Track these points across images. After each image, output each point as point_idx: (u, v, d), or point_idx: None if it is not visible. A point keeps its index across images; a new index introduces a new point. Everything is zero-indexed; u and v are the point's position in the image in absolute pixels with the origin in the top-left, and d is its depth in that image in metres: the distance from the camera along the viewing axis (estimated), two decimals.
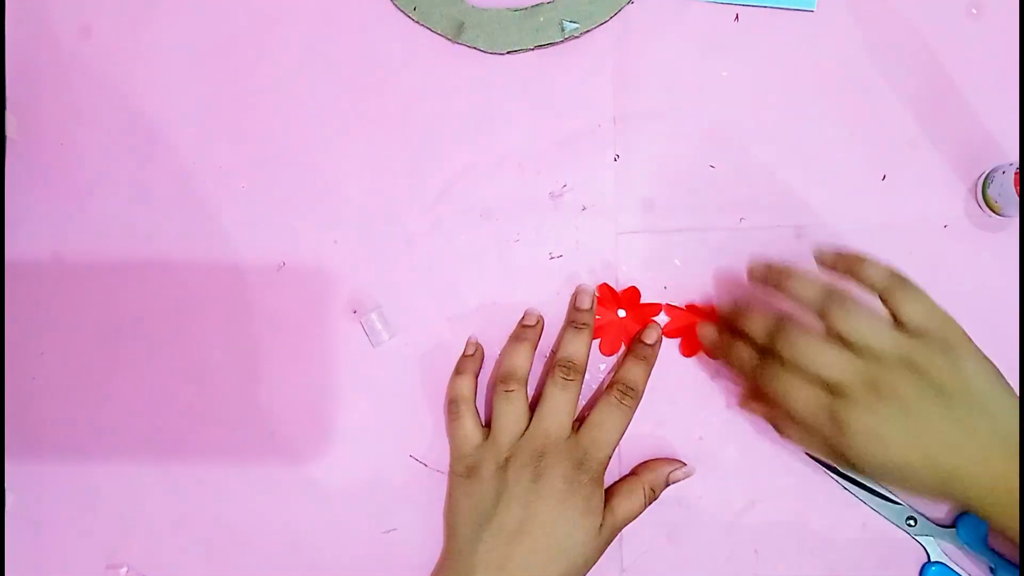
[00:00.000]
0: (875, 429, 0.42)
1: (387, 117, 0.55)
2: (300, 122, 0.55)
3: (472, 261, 0.54)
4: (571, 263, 0.54)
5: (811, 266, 0.48)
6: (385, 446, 0.54)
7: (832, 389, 0.43)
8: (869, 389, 0.42)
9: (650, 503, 0.50)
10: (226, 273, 0.55)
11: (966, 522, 0.50)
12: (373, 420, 0.54)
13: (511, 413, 0.50)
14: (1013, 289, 0.52)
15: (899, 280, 0.45)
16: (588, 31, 0.54)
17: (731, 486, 0.52)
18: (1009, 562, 0.50)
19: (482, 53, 0.55)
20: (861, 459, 0.43)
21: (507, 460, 0.49)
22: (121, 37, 0.57)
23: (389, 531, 0.53)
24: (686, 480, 0.51)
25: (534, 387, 0.53)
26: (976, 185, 0.52)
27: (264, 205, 0.55)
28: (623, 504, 0.49)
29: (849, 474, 0.51)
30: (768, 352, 0.46)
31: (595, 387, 0.53)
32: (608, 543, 0.49)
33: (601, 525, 0.48)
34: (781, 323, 0.45)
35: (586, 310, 0.52)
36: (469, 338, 0.54)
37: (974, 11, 0.54)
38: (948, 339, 0.44)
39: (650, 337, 0.52)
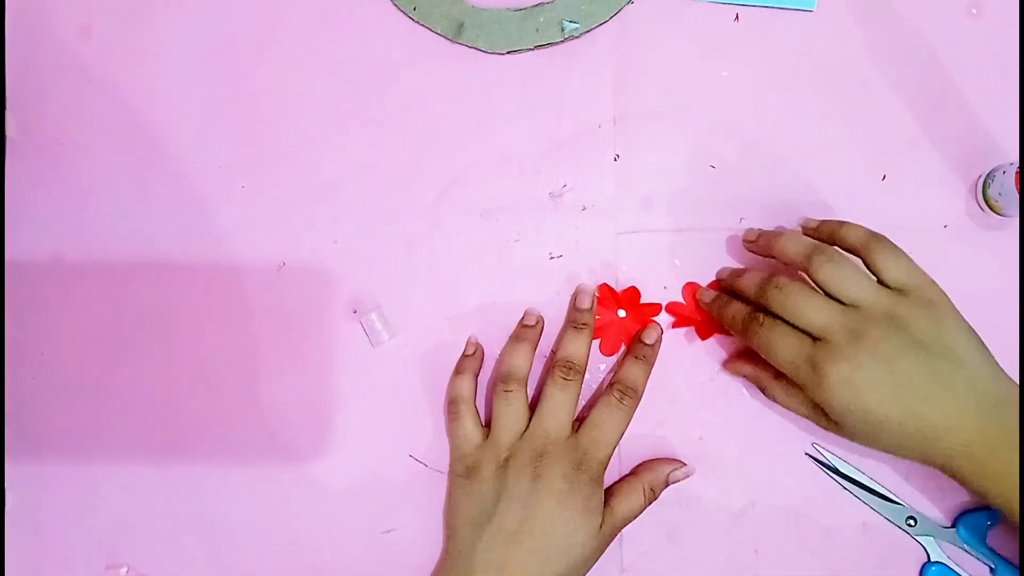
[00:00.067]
0: (855, 379, 0.43)
1: (387, 117, 0.55)
2: (300, 122, 0.55)
3: (472, 261, 0.54)
4: (571, 263, 0.54)
5: None
6: (385, 446, 0.54)
7: (815, 338, 0.45)
8: (852, 339, 0.43)
9: (650, 503, 0.50)
10: (226, 273, 0.55)
11: (966, 522, 0.50)
12: (373, 420, 0.54)
13: (511, 413, 0.50)
14: (1013, 289, 0.52)
15: (880, 240, 0.47)
16: (588, 31, 0.54)
17: (731, 486, 0.52)
18: (1009, 562, 0.50)
19: (482, 53, 0.55)
20: (839, 410, 0.44)
21: (507, 460, 0.49)
22: (121, 37, 0.57)
23: (389, 531, 0.53)
24: (686, 480, 0.51)
25: (534, 387, 0.53)
26: (976, 185, 0.52)
27: (264, 205, 0.55)
28: (623, 504, 0.49)
29: (848, 474, 0.51)
30: (758, 307, 0.47)
31: (595, 387, 0.53)
32: (608, 543, 0.49)
33: (601, 525, 0.48)
34: (770, 277, 0.47)
35: (586, 310, 0.52)
36: (469, 338, 0.54)
37: (974, 11, 0.54)
38: (929, 297, 0.45)
39: (650, 337, 0.52)
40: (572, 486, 0.47)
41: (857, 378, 0.43)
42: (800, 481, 0.52)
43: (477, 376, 0.53)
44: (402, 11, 0.55)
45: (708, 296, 0.52)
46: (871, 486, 0.51)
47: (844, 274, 0.45)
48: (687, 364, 0.53)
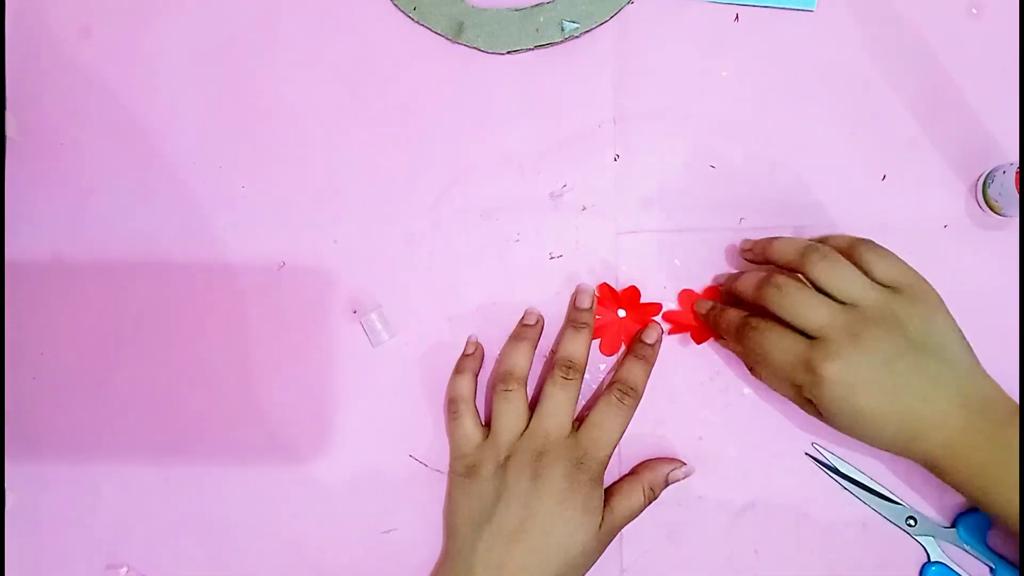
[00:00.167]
0: (851, 378, 0.43)
1: (387, 117, 0.55)
2: (300, 122, 0.55)
3: (472, 261, 0.54)
4: (571, 263, 0.54)
5: None
6: (385, 446, 0.54)
7: (812, 337, 0.44)
8: (849, 339, 0.43)
9: (650, 503, 0.50)
10: (226, 273, 0.55)
11: (966, 522, 0.50)
12: (373, 420, 0.54)
13: (511, 412, 0.50)
14: (1013, 289, 0.52)
15: (866, 241, 0.47)
16: (588, 31, 0.54)
17: (731, 486, 0.52)
18: (1009, 562, 0.50)
19: (482, 53, 0.55)
20: (832, 408, 0.44)
21: (507, 459, 0.49)
22: (121, 37, 0.57)
23: (389, 531, 0.53)
24: (686, 480, 0.51)
25: (534, 387, 0.53)
26: (976, 185, 0.52)
27: (264, 205, 0.55)
28: (623, 503, 0.49)
29: (848, 474, 0.51)
30: (754, 310, 0.47)
31: (595, 387, 0.53)
32: (608, 542, 0.49)
33: (601, 524, 0.48)
34: (768, 276, 0.47)
35: (586, 309, 0.52)
36: (469, 337, 0.54)
37: (974, 11, 0.54)
38: (922, 294, 0.45)
39: (650, 337, 0.52)
40: (572, 485, 0.47)
41: (853, 378, 0.43)
42: (800, 481, 0.52)
43: (477, 376, 0.53)
44: (402, 11, 0.55)
45: (704, 307, 0.52)
46: (871, 486, 0.51)
47: (839, 271, 0.45)
48: (687, 364, 0.53)
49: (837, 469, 0.52)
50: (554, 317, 0.54)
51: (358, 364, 0.54)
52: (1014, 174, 0.48)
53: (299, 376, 0.54)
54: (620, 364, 0.52)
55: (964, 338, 0.46)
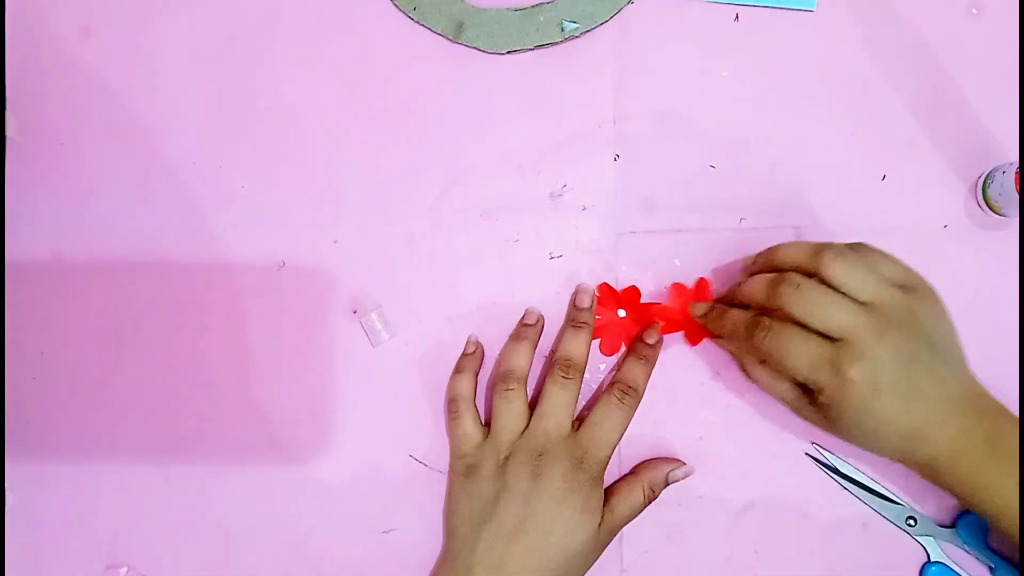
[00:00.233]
0: (875, 379, 0.42)
1: (387, 117, 0.55)
2: (300, 122, 0.55)
3: (472, 261, 0.54)
4: (571, 263, 0.54)
5: None
6: (385, 446, 0.54)
7: (834, 339, 0.43)
8: (875, 339, 0.42)
9: (649, 503, 0.50)
10: (226, 273, 0.55)
11: (966, 522, 0.50)
12: (373, 420, 0.54)
13: (510, 412, 0.50)
14: (1013, 289, 0.52)
15: (865, 244, 0.46)
16: (588, 31, 0.54)
17: (731, 486, 0.52)
18: (1009, 562, 0.50)
19: (482, 53, 0.55)
20: (850, 411, 0.43)
21: (506, 459, 0.49)
22: (121, 37, 0.57)
23: (389, 531, 0.53)
24: (686, 480, 0.51)
25: (534, 387, 0.53)
26: (976, 185, 0.52)
27: (264, 205, 0.55)
28: (622, 503, 0.49)
29: (848, 474, 0.51)
30: (765, 313, 0.46)
31: (595, 387, 0.53)
32: (607, 542, 0.49)
33: (600, 524, 0.48)
34: (783, 276, 0.45)
35: (586, 309, 0.52)
36: (469, 337, 0.54)
37: (974, 11, 0.54)
38: (929, 294, 0.45)
39: (651, 337, 0.52)
40: (572, 485, 0.47)
41: (879, 379, 0.42)
42: (800, 481, 0.52)
43: (477, 375, 0.53)
44: (402, 11, 0.55)
45: (701, 309, 0.51)
46: (871, 486, 0.51)
47: (857, 269, 0.44)
48: (687, 364, 0.53)
49: (837, 469, 0.52)
50: (554, 317, 0.54)
51: (358, 364, 0.54)
52: (1014, 174, 0.48)
53: (299, 376, 0.54)
54: (620, 364, 0.52)
55: (958, 338, 0.46)
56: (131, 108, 0.56)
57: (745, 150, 0.54)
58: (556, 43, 0.54)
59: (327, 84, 0.56)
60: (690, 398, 0.53)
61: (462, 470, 0.50)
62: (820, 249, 0.45)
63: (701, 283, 0.53)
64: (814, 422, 0.46)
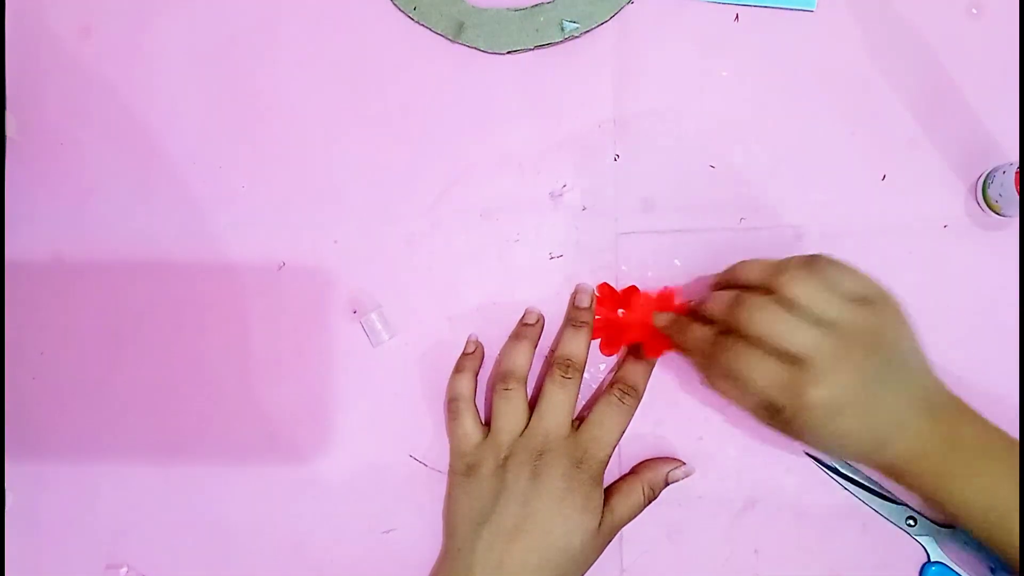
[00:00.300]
0: (835, 402, 0.42)
1: (387, 117, 0.55)
2: (300, 122, 0.55)
3: (472, 261, 0.54)
4: (571, 263, 0.54)
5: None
6: (385, 446, 0.54)
7: (792, 361, 0.43)
8: (834, 362, 0.42)
9: (649, 502, 0.50)
10: (226, 273, 0.55)
11: None
12: (373, 420, 0.54)
13: (510, 412, 0.50)
14: (1013, 289, 0.52)
15: (822, 256, 0.45)
16: (588, 31, 0.54)
17: (731, 486, 0.52)
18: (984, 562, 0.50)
19: (482, 53, 0.55)
20: (810, 431, 0.43)
21: (506, 459, 0.49)
22: (121, 37, 0.57)
23: (389, 531, 0.53)
24: (686, 480, 0.51)
25: (534, 386, 0.53)
26: (976, 185, 0.52)
27: (264, 205, 0.55)
28: (622, 503, 0.49)
29: (848, 474, 0.51)
30: (727, 331, 0.45)
31: (595, 387, 0.53)
32: (607, 542, 0.49)
33: (600, 524, 0.48)
34: (743, 295, 0.45)
35: (585, 308, 0.52)
36: (469, 336, 0.54)
37: (974, 11, 0.54)
38: (890, 305, 0.45)
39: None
40: (571, 484, 0.47)
41: (838, 401, 0.42)
42: (800, 481, 0.52)
43: (477, 375, 0.53)
44: (402, 11, 0.55)
45: (664, 319, 0.50)
46: (871, 486, 0.51)
47: (814, 289, 0.43)
48: (687, 364, 0.53)
49: (837, 469, 0.52)
50: (554, 317, 0.54)
51: (358, 364, 0.54)
52: (1014, 174, 0.48)
53: (299, 376, 0.54)
54: (620, 364, 0.52)
55: (919, 340, 0.45)
56: (131, 108, 0.56)
57: (745, 150, 0.54)
58: (556, 43, 0.54)
59: (327, 84, 0.56)
60: (690, 398, 0.53)
61: (462, 470, 0.50)
62: (778, 269, 0.45)
63: (665, 293, 0.53)
64: (780, 431, 0.45)
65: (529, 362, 0.51)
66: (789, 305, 0.43)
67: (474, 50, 0.55)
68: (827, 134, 0.54)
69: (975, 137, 0.53)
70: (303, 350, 0.54)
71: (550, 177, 0.54)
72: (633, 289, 0.53)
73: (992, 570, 0.50)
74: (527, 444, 0.49)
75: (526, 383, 0.51)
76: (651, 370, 0.51)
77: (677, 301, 0.53)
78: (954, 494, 0.44)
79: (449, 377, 0.53)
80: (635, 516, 0.50)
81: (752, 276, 0.46)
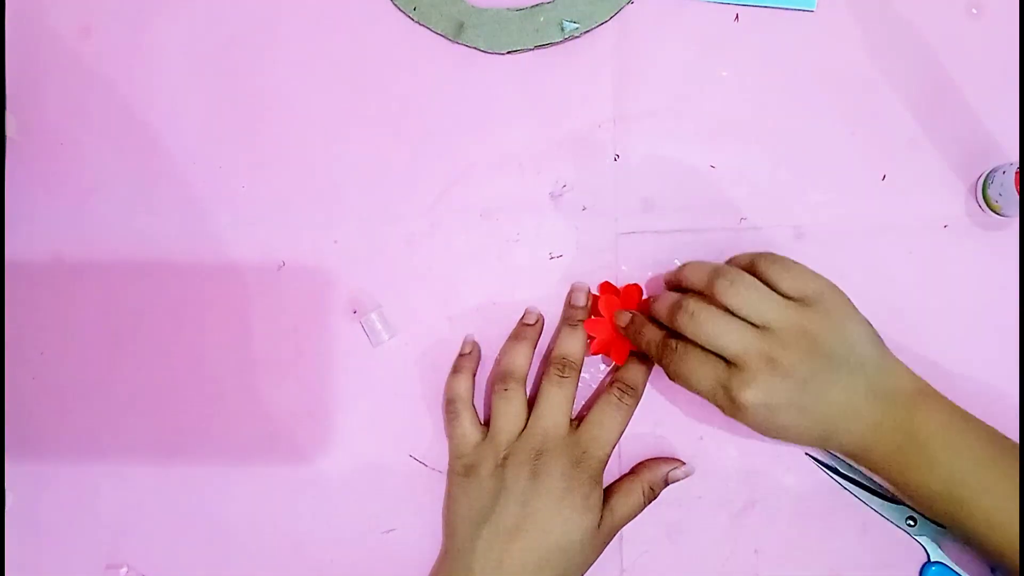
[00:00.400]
0: (769, 402, 0.44)
1: (387, 117, 0.55)
2: (300, 122, 0.55)
3: (472, 261, 0.54)
4: (571, 263, 0.54)
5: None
6: (385, 446, 0.54)
7: (729, 362, 0.44)
8: (767, 365, 0.44)
9: (649, 502, 0.50)
10: (226, 273, 0.55)
11: None
12: (373, 420, 0.54)
13: (509, 412, 0.50)
14: (1013, 289, 0.52)
15: (767, 255, 0.47)
16: (588, 31, 0.54)
17: (731, 486, 0.52)
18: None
19: (482, 53, 0.55)
20: (754, 426, 0.45)
21: (505, 459, 0.49)
22: (121, 37, 0.57)
23: (389, 531, 0.53)
24: (686, 480, 0.51)
25: (532, 386, 0.53)
26: (976, 185, 0.52)
27: (264, 205, 0.55)
28: (622, 503, 0.49)
29: (848, 474, 0.51)
30: (673, 333, 0.47)
31: (595, 387, 0.53)
32: (607, 542, 0.49)
33: (600, 524, 0.48)
34: (679, 302, 0.46)
35: (581, 307, 0.52)
36: (466, 337, 0.54)
37: (974, 11, 0.54)
38: (830, 303, 0.45)
39: None
40: (570, 484, 0.47)
41: (773, 402, 0.44)
42: (800, 481, 0.52)
43: (474, 375, 0.53)
44: (402, 11, 0.55)
45: (624, 319, 0.51)
46: (871, 486, 0.51)
47: (748, 294, 0.45)
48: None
49: (837, 469, 0.52)
50: (554, 317, 0.54)
51: (358, 364, 0.54)
52: (1014, 174, 0.48)
53: (299, 376, 0.54)
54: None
55: (873, 332, 0.46)
56: (131, 108, 0.56)
57: (745, 150, 0.54)
58: (556, 43, 0.54)
59: (327, 84, 0.56)
60: (690, 398, 0.53)
61: (461, 470, 0.50)
62: (718, 272, 0.46)
63: (629, 289, 0.52)
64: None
65: (528, 362, 0.51)
66: (725, 308, 0.45)
67: (474, 50, 0.55)
68: (827, 134, 0.54)
69: (975, 137, 0.53)
70: (303, 350, 0.54)
71: (550, 177, 0.54)
72: (635, 287, 0.53)
73: (992, 570, 0.50)
74: (526, 444, 0.49)
75: (525, 383, 0.51)
76: (651, 370, 0.51)
77: (645, 297, 0.53)
78: (910, 482, 0.45)
79: (447, 378, 0.53)
80: (635, 516, 0.50)
81: (694, 279, 0.48)
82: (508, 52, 0.55)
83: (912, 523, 0.51)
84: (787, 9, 0.54)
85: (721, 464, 0.52)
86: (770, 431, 0.45)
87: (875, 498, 0.51)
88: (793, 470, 0.52)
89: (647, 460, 0.52)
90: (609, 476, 0.50)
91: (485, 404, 0.53)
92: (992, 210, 0.51)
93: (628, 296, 0.53)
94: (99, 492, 0.55)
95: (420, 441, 0.54)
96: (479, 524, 0.48)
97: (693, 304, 0.46)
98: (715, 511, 0.52)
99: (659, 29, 0.55)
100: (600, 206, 0.54)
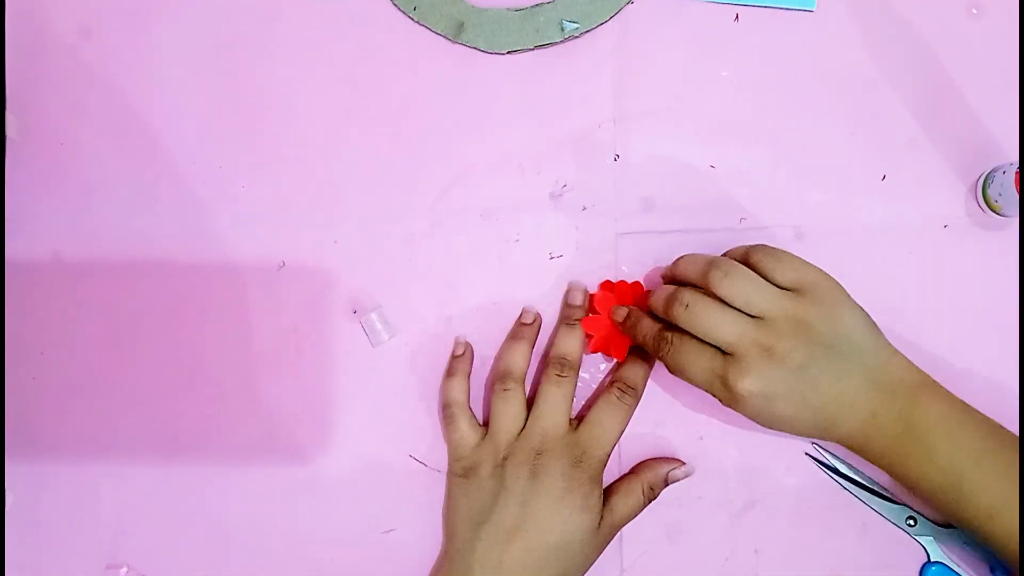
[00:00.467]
0: (767, 392, 0.44)
1: (387, 117, 0.55)
2: (300, 122, 0.55)
3: (472, 261, 0.54)
4: (571, 263, 0.54)
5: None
6: (385, 446, 0.54)
7: (725, 352, 0.45)
8: (762, 354, 0.44)
9: (649, 502, 0.50)
10: (226, 273, 0.55)
11: None
12: (373, 420, 0.54)
13: (508, 412, 0.50)
14: (1013, 289, 0.52)
15: (760, 247, 0.47)
16: (588, 31, 0.54)
17: (731, 486, 0.52)
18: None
19: (482, 53, 0.55)
20: (751, 416, 0.45)
21: (505, 459, 0.49)
22: (121, 37, 0.57)
23: (389, 531, 0.53)
24: (686, 480, 0.51)
25: (531, 386, 0.53)
26: (976, 185, 0.52)
27: (264, 205, 0.55)
28: (622, 503, 0.49)
29: (848, 474, 0.51)
30: (669, 326, 0.47)
31: (595, 387, 0.53)
32: (607, 542, 0.49)
33: (599, 523, 0.48)
34: (674, 294, 0.47)
35: (578, 306, 0.52)
36: (457, 338, 0.54)
37: (974, 11, 0.54)
38: (824, 292, 0.46)
39: None
40: (570, 484, 0.47)
41: (770, 391, 0.44)
42: (800, 481, 0.52)
43: (469, 376, 0.53)
44: (402, 11, 0.55)
45: (621, 314, 0.51)
46: (871, 486, 0.51)
47: (742, 285, 0.45)
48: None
49: (837, 469, 0.52)
50: (554, 317, 0.54)
51: (358, 364, 0.54)
52: (1014, 174, 0.48)
53: (299, 376, 0.54)
54: (620, 363, 0.52)
55: (870, 321, 0.46)
56: (131, 108, 0.56)
57: (745, 150, 0.54)
58: (556, 43, 0.54)
59: (327, 84, 0.55)
60: (690, 398, 0.53)
61: (460, 472, 0.50)
62: (710, 267, 0.46)
63: (625, 284, 0.52)
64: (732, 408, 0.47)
65: (527, 361, 0.51)
66: (720, 299, 0.45)
67: (474, 50, 0.55)
68: (827, 134, 0.54)
69: (975, 137, 0.53)
70: (303, 350, 0.54)
71: (550, 177, 0.54)
72: (637, 285, 0.53)
73: (992, 570, 0.50)
74: (525, 444, 0.49)
75: (524, 383, 0.51)
76: (650, 369, 0.51)
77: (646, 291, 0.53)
78: (909, 471, 0.45)
79: (441, 382, 0.53)
80: (635, 516, 0.50)
81: (689, 271, 0.48)
82: (508, 52, 0.55)
83: (912, 523, 0.51)
84: (787, 9, 0.54)
85: (721, 464, 0.52)
86: (768, 421, 0.45)
87: (875, 498, 0.51)
88: (793, 470, 0.52)
89: (647, 460, 0.52)
90: (609, 476, 0.50)
91: (484, 404, 0.53)
92: (992, 210, 0.51)
93: (623, 291, 0.53)
94: (99, 492, 0.55)
95: (420, 441, 0.54)
96: (479, 524, 0.48)
97: (688, 296, 0.46)
98: (715, 511, 0.52)
99: (659, 29, 0.55)
100: (600, 206, 0.54)
